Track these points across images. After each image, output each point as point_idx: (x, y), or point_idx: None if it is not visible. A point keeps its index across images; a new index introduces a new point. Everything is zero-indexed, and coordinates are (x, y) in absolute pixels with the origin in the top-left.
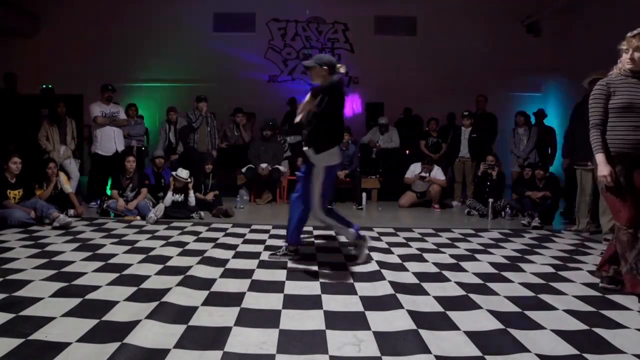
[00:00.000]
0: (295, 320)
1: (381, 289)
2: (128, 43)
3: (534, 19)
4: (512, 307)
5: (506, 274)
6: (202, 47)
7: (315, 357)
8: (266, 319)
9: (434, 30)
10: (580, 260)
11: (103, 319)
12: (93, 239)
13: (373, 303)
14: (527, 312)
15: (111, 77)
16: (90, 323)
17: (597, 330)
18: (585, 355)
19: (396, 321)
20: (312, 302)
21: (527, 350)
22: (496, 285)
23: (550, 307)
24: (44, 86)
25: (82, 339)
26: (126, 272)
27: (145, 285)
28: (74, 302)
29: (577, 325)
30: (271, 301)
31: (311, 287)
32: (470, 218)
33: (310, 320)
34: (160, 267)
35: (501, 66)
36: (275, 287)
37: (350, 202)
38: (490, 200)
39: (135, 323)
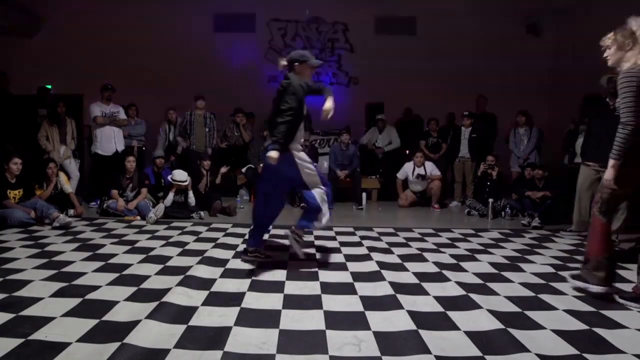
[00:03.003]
0: (295, 320)
1: (381, 289)
2: (128, 43)
3: (534, 19)
4: (512, 307)
5: (506, 274)
6: (202, 47)
7: (315, 357)
8: (266, 319)
9: (434, 30)
10: (581, 260)
11: (103, 319)
12: (93, 239)
13: (373, 303)
14: (527, 312)
15: (111, 77)
16: (90, 323)
17: (597, 330)
18: (585, 355)
19: (396, 321)
20: (312, 302)
21: (527, 350)
22: (496, 285)
23: (550, 307)
24: (41, 86)
25: (82, 339)
26: (126, 272)
27: (145, 285)
28: (74, 302)
29: (577, 325)
30: (271, 301)
31: (311, 287)
32: (470, 218)
33: (310, 320)
34: (160, 267)
35: (501, 66)
36: (275, 287)
37: (351, 202)
38: (490, 200)
39: (135, 323)
